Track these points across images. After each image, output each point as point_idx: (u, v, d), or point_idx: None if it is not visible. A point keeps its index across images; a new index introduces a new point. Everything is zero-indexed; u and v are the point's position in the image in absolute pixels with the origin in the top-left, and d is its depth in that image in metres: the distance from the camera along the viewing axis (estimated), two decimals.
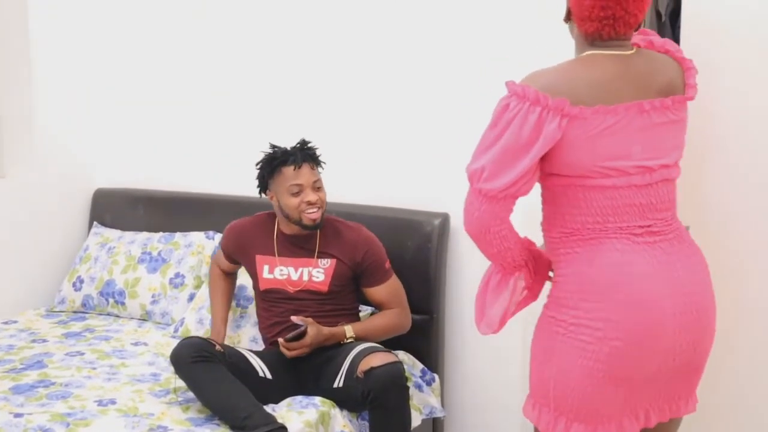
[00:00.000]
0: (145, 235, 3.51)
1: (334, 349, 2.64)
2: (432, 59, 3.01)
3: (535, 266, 2.03)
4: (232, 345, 2.81)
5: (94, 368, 2.77)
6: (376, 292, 2.79)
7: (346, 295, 2.78)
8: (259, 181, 2.77)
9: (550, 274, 2.05)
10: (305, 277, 2.73)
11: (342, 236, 2.76)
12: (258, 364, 2.63)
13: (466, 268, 3.01)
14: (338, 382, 2.55)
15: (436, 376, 2.95)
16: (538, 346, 1.96)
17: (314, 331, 2.60)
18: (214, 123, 3.56)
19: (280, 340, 2.62)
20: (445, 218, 2.98)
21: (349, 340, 2.65)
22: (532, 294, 2.07)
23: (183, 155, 3.66)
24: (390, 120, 3.12)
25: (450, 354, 3.08)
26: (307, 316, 2.65)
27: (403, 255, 2.94)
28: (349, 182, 3.14)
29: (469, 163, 1.88)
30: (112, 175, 3.83)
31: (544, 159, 1.83)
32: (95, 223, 3.71)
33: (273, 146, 2.76)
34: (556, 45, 2.65)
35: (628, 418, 1.90)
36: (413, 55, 3.04)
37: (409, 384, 2.72)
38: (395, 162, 3.12)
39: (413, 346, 2.93)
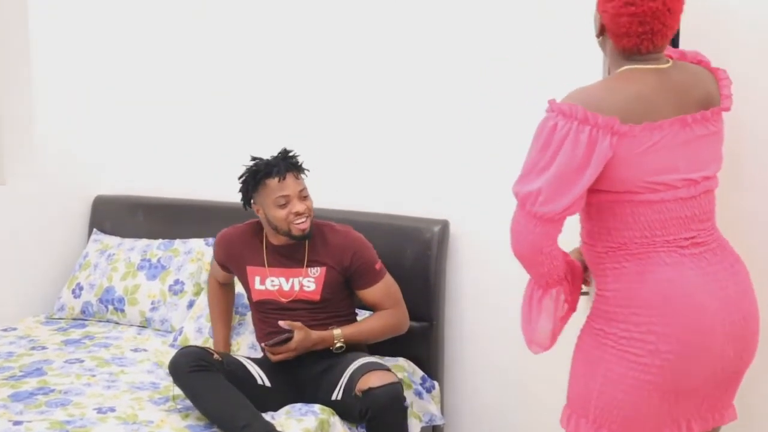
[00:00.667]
0: (144, 242, 3.51)
1: (333, 358, 2.63)
2: (431, 63, 3.00)
3: (572, 277, 2.02)
4: (230, 353, 2.81)
5: (94, 375, 2.77)
6: (369, 293, 2.75)
7: (340, 302, 2.75)
8: (243, 195, 2.73)
9: (585, 288, 2.07)
10: (296, 287, 2.71)
11: (329, 242, 2.73)
12: (257, 371, 2.63)
13: (466, 275, 3.01)
14: (337, 394, 2.54)
15: (436, 384, 2.94)
16: (582, 357, 1.95)
17: (301, 335, 2.58)
18: (213, 130, 3.56)
19: (263, 344, 2.62)
20: (444, 225, 2.97)
21: (338, 343, 2.62)
22: (572, 306, 2.05)
23: (182, 162, 3.66)
24: (389, 126, 3.12)
25: (450, 361, 3.08)
26: (303, 323, 2.64)
27: (403, 262, 2.94)
28: (348, 188, 3.14)
29: (519, 184, 1.85)
30: (111, 182, 3.83)
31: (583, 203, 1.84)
32: (95, 230, 3.71)
33: (254, 158, 2.72)
34: (556, 45, 2.66)
35: (669, 428, 1.90)
36: (413, 60, 3.04)
37: (409, 391, 2.72)
38: (394, 168, 3.12)
39: (413, 353, 2.92)
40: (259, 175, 2.66)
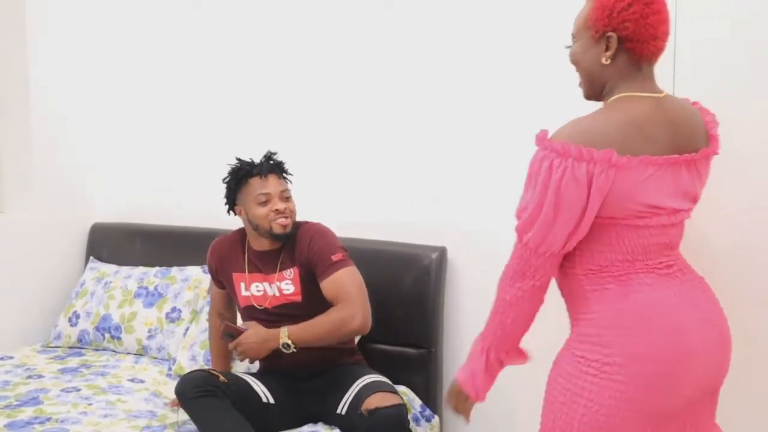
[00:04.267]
0: (141, 269, 3.50)
1: (337, 371, 2.63)
2: (432, 87, 3.01)
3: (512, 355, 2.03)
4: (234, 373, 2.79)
5: (90, 404, 2.75)
6: (324, 286, 2.61)
7: (324, 302, 2.63)
8: (227, 196, 2.74)
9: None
10: (277, 292, 2.70)
11: (297, 239, 2.69)
12: (261, 389, 2.61)
13: (465, 301, 3.01)
14: (342, 408, 2.52)
15: (436, 416, 2.91)
16: (561, 387, 1.89)
17: (252, 329, 2.56)
18: (211, 157, 3.56)
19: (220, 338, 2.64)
20: (442, 252, 2.97)
21: (283, 339, 2.51)
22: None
23: (179, 190, 3.66)
24: (387, 153, 3.13)
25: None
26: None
27: (401, 289, 2.93)
28: (346, 216, 3.14)
29: (522, 228, 1.83)
30: (108, 210, 3.84)
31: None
32: (91, 257, 3.70)
33: (239, 159, 2.75)
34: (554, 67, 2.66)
35: None
36: (411, 85, 3.06)
37: (408, 415, 2.70)
38: (392, 195, 3.12)
39: (411, 381, 2.91)
40: (241, 173, 2.70)
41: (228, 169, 2.76)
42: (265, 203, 2.65)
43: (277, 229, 2.65)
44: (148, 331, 3.29)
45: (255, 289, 2.73)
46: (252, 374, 2.72)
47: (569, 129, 1.80)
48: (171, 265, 3.48)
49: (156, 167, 3.73)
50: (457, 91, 2.96)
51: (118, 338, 3.33)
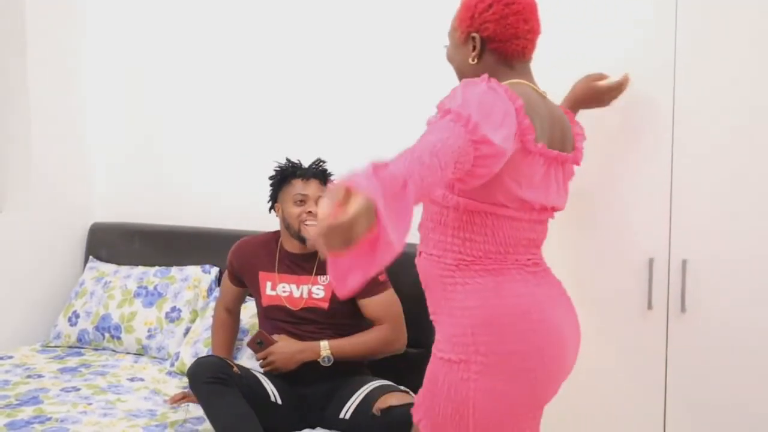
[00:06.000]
0: (141, 269, 3.50)
1: (342, 378, 2.63)
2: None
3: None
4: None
5: (90, 404, 2.76)
6: (369, 304, 2.70)
7: (349, 313, 2.72)
8: (271, 193, 2.82)
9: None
10: (305, 295, 2.73)
11: None
12: (270, 388, 2.61)
13: None
14: (345, 413, 2.52)
15: None
16: (445, 397, 1.76)
17: (284, 341, 2.62)
18: (209, 157, 3.57)
19: (247, 344, 2.65)
20: None
21: (323, 353, 2.59)
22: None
23: (179, 189, 3.67)
24: (386, 153, 3.13)
25: None
26: (309, 336, 2.65)
27: (400, 287, 2.93)
28: None
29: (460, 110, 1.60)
30: (107, 210, 3.84)
31: (468, 177, 1.63)
32: (91, 257, 3.70)
33: (288, 159, 2.81)
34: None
35: None
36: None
37: None
38: None
39: (411, 381, 2.90)
40: (287, 173, 2.76)
41: (273, 166, 2.82)
42: (300, 204, 2.72)
43: (305, 233, 2.71)
44: (148, 331, 3.29)
45: (281, 289, 2.77)
46: (263, 373, 2.72)
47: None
48: (170, 265, 3.48)
49: (156, 167, 3.74)
50: None
51: (118, 338, 3.33)
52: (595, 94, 2.23)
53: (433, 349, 1.83)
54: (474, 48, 1.86)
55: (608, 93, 2.23)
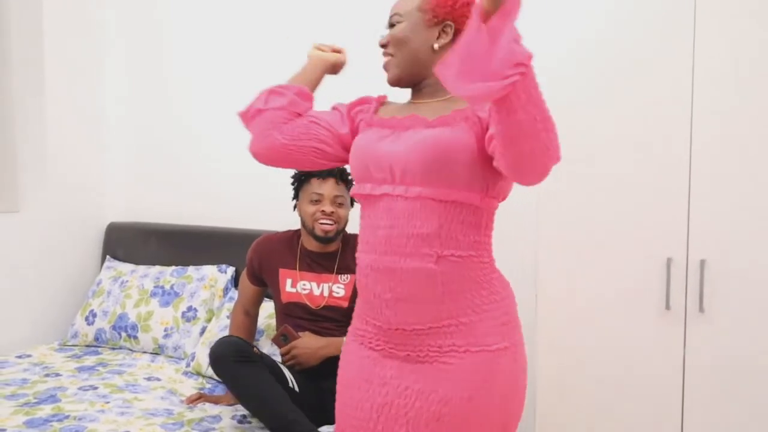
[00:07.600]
0: (157, 268, 3.52)
1: None
2: None
3: None
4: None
5: (108, 402, 2.77)
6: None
7: None
8: (293, 191, 2.86)
9: None
10: (326, 293, 2.76)
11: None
12: (288, 375, 2.62)
13: None
14: None
15: None
16: (510, 386, 1.77)
17: (307, 337, 2.65)
18: (226, 156, 3.58)
19: (272, 340, 2.68)
20: None
21: None
22: None
23: (195, 189, 3.68)
24: None
25: None
26: (327, 333, 2.68)
27: None
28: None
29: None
30: (124, 209, 3.86)
31: (490, 177, 1.70)
32: (108, 257, 3.72)
33: None
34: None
35: None
36: None
37: None
38: None
39: None
40: (305, 171, 2.78)
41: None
42: (316, 202, 2.75)
43: (319, 232, 2.74)
44: (164, 330, 3.31)
45: (301, 287, 2.79)
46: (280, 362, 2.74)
47: None
48: (187, 265, 3.50)
49: (173, 167, 3.75)
50: None
51: (135, 337, 3.35)
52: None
53: (471, 349, 1.71)
54: (440, 36, 1.79)
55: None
